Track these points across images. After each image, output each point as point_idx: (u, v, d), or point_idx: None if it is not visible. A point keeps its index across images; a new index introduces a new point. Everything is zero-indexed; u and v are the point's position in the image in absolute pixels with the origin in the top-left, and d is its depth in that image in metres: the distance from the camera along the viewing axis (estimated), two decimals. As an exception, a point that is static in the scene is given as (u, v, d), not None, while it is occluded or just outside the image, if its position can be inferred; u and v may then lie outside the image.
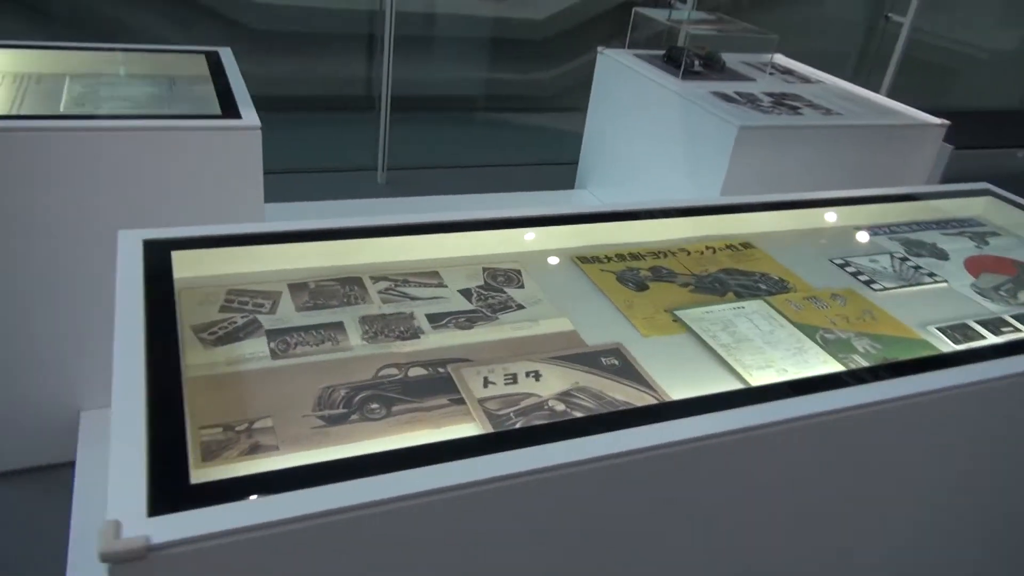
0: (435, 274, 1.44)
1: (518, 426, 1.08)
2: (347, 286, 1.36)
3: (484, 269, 1.48)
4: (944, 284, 1.67)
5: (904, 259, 1.74)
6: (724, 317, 1.42)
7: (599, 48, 3.45)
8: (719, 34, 3.37)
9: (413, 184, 3.84)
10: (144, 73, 2.19)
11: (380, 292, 1.36)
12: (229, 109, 1.86)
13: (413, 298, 1.36)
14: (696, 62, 3.23)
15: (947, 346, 1.43)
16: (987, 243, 1.90)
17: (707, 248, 1.68)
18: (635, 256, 1.60)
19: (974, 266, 1.77)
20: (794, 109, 2.96)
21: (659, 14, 3.43)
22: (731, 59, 3.55)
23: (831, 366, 1.32)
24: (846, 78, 3.50)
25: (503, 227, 1.57)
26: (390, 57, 3.57)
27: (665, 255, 1.63)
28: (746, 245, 1.71)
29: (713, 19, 3.61)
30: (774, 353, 1.33)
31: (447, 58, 4.43)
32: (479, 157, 4.20)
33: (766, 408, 1.10)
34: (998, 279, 1.72)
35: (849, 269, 1.67)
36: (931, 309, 1.56)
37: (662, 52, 3.38)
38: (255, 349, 1.17)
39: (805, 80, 3.42)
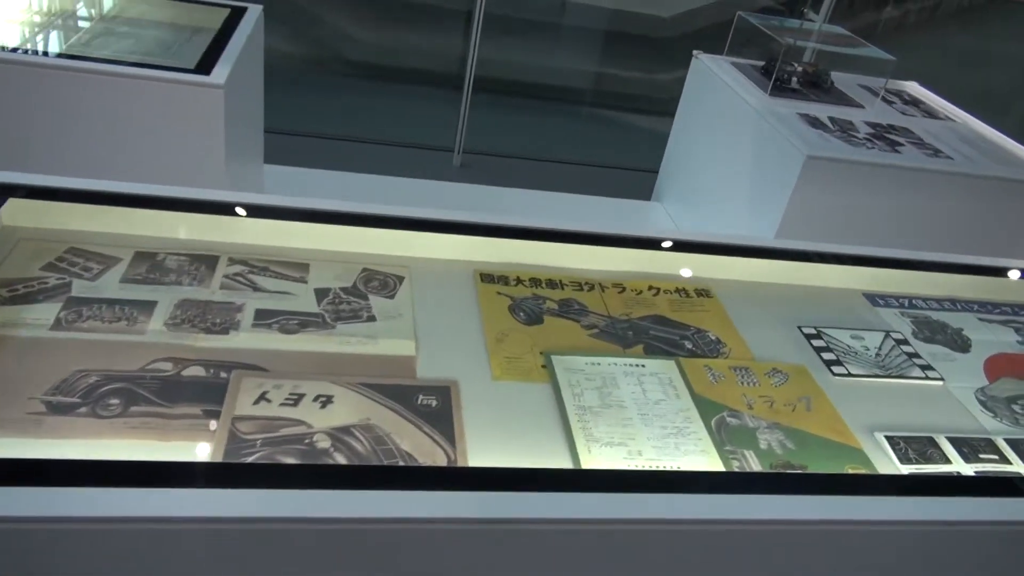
0: (305, 267, 1.30)
1: (252, 458, 0.93)
2: (196, 264, 1.25)
3: (364, 270, 1.32)
4: (938, 383, 1.32)
5: (901, 342, 1.41)
6: (608, 373, 1.19)
7: (695, 52, 3.15)
8: (820, 47, 2.97)
9: (486, 171, 3.71)
10: (169, 21, 2.19)
11: (226, 277, 1.24)
12: (206, 66, 1.80)
13: (257, 289, 1.23)
14: (794, 78, 2.87)
15: (888, 464, 1.12)
16: (1037, 340, 1.51)
17: (650, 288, 1.43)
18: (553, 284, 1.39)
19: (997, 367, 1.40)
20: (894, 145, 2.55)
21: (765, 20, 3.07)
22: (847, 80, 3.13)
23: (703, 460, 1.06)
24: (1012, 123, 3.00)
25: (421, 228, 1.41)
26: (477, 37, 3.45)
27: (592, 288, 1.40)
28: (702, 292, 1.45)
29: (832, 34, 3.20)
30: (642, 430, 1.09)
31: (559, 46, 4.25)
32: (569, 152, 3.99)
33: (512, 499, 0.88)
34: (1020, 389, 1.35)
35: (817, 342, 1.36)
36: (897, 412, 1.24)
37: (762, 63, 3.03)
38: (41, 315, 1.09)
39: (930, 115, 2.96)
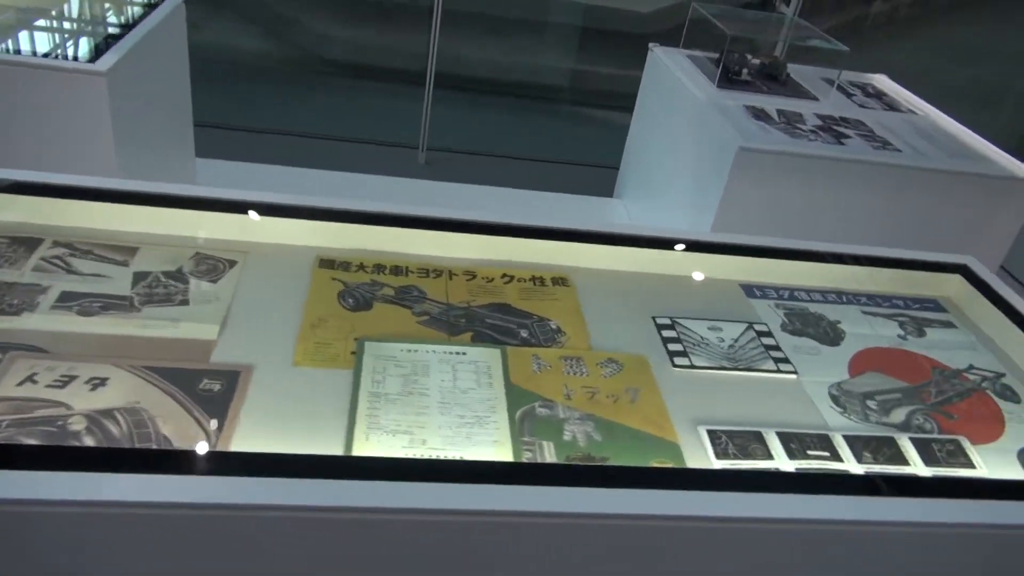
0: (133, 251, 1.27)
1: (-7, 438, 0.90)
2: (15, 247, 1.23)
3: (196, 254, 1.29)
4: (791, 377, 1.25)
5: (764, 334, 1.34)
6: (422, 361, 1.14)
7: (651, 45, 3.09)
8: (767, 38, 2.88)
9: (451, 168, 3.68)
10: (91, 15, 2.19)
11: (43, 259, 1.21)
12: (99, 54, 1.79)
13: (71, 271, 1.20)
14: (744, 70, 2.79)
15: (702, 459, 1.06)
16: (923, 335, 1.42)
17: (504, 276, 1.38)
18: (398, 270, 1.34)
19: (865, 361, 1.32)
20: (840, 137, 2.46)
21: (717, 11, 2.99)
22: (809, 73, 3.04)
23: (491, 451, 1.01)
24: (1003, 117, 2.89)
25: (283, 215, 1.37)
26: (436, 32, 3.41)
27: (440, 275, 1.35)
28: (559, 281, 1.39)
29: (789, 24, 3.11)
30: (436, 418, 1.04)
31: (537, 44, 4.20)
32: (539, 150, 3.94)
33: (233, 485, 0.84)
34: (883, 385, 1.27)
35: (668, 333, 1.30)
36: (734, 406, 1.17)
37: (716, 55, 2.95)
38: None
39: (891, 108, 2.86)
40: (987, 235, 2.46)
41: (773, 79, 2.89)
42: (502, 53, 4.12)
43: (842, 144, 2.42)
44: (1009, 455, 1.16)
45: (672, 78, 2.82)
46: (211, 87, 3.80)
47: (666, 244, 1.50)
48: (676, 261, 1.49)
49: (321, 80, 3.96)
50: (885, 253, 1.57)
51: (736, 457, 1.06)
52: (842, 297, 1.49)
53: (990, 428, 1.21)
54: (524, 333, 1.24)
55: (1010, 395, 1.29)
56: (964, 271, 1.53)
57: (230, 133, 3.60)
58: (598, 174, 3.71)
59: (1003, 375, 1.34)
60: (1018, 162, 2.48)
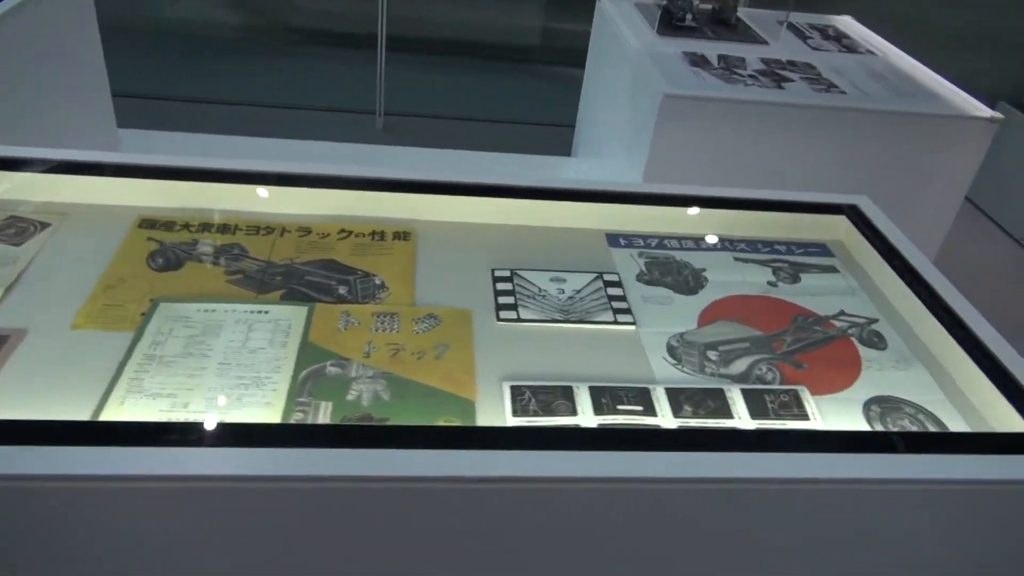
0: (-58, 216, 1.23)
1: None
2: None
3: (10, 217, 1.24)
4: (629, 328, 1.16)
5: (612, 284, 1.25)
6: (217, 321, 1.08)
7: (598, -6, 2.96)
8: None
9: (409, 133, 3.59)
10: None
11: None
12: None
13: None
14: (689, 15, 2.65)
15: (498, 416, 0.98)
16: (797, 280, 1.32)
17: (341, 231, 1.31)
18: (226, 228, 1.28)
19: (718, 310, 1.23)
20: (781, 81, 2.32)
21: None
22: (765, 16, 2.89)
23: (259, 412, 0.94)
24: (991, 63, 2.72)
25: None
26: (384, -7, 3.32)
27: (271, 232, 1.28)
28: (400, 235, 1.31)
29: None
30: (210, 380, 0.98)
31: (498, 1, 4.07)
32: (498, 110, 3.83)
33: None
34: (732, 334, 1.18)
35: (502, 285, 1.22)
36: (553, 361, 1.09)
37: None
38: None
39: (849, 50, 2.70)
40: (943, 176, 2.31)
41: (723, 24, 2.75)
42: (463, 11, 4.01)
43: (781, 88, 2.28)
44: (854, 405, 1.06)
45: (614, 28, 2.70)
46: (157, 59, 3.77)
47: (533, 194, 1.41)
48: (539, 211, 1.40)
49: (279, 48, 3.89)
50: (773, 196, 1.46)
51: (535, 414, 0.99)
52: (718, 244, 1.39)
53: (842, 377, 1.11)
54: (342, 290, 1.17)
55: (876, 342, 1.19)
56: (853, 212, 1.42)
57: (183, 105, 3.56)
58: (560, 133, 3.60)
59: (875, 321, 1.24)
60: (975, 101, 2.33)
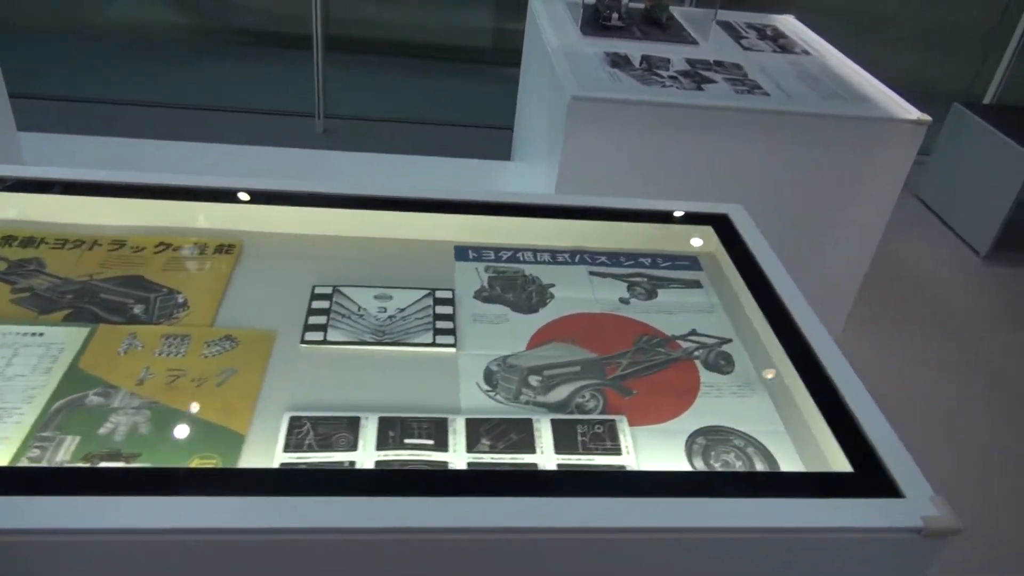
0: None
1: None
2: None
3: None
4: (449, 350, 1.07)
5: (443, 302, 1.15)
6: (-20, 344, 0.98)
7: (529, -7, 2.87)
8: None
9: (350, 136, 3.50)
10: None
11: None
12: None
13: None
14: (615, 14, 2.56)
15: (266, 453, 0.89)
16: (653, 296, 1.23)
17: (159, 244, 1.21)
18: (31, 242, 1.18)
19: (554, 330, 1.13)
20: (702, 82, 2.23)
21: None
22: (701, 17, 2.79)
23: (-10, 449, 0.85)
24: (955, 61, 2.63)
25: None
26: (318, -8, 3.23)
27: (80, 245, 1.19)
28: (224, 248, 1.22)
29: None
30: (-51, 411, 0.89)
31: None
32: (443, 113, 3.74)
33: None
34: (562, 357, 1.08)
35: (319, 304, 1.12)
36: (352, 388, 0.99)
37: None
38: None
39: (783, 50, 2.60)
40: (870, 180, 2.22)
41: (655, 23, 2.66)
42: (408, 12, 3.91)
43: (701, 90, 2.19)
44: (677, 438, 0.97)
45: (541, 27, 2.61)
46: (84, 60, 3.67)
47: (382, 204, 1.32)
48: (386, 222, 1.30)
49: (214, 48, 3.79)
50: (643, 206, 1.36)
51: (309, 449, 0.89)
52: (576, 257, 1.30)
53: (673, 404, 1.02)
54: (138, 309, 1.08)
55: (722, 365, 1.10)
56: (723, 223, 1.32)
57: (121, 108, 3.46)
58: (504, 136, 3.51)
59: (727, 341, 1.14)
60: (904, 103, 2.23)
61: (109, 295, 1.10)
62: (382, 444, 0.91)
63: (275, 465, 0.87)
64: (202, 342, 1.03)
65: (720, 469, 0.93)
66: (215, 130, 3.33)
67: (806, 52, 2.61)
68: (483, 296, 1.18)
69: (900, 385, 2.45)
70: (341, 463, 0.88)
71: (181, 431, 0.90)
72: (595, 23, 2.57)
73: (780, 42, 2.68)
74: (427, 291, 1.17)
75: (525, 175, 2.87)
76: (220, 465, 0.86)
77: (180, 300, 1.10)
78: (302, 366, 1.02)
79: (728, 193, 2.21)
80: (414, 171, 3.19)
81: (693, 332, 1.16)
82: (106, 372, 0.97)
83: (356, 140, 3.48)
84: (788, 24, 2.88)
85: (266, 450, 0.89)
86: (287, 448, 0.89)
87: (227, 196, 1.28)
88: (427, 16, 3.82)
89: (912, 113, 2.17)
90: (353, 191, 1.32)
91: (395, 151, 3.36)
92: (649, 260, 1.31)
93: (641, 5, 2.73)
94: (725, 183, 2.19)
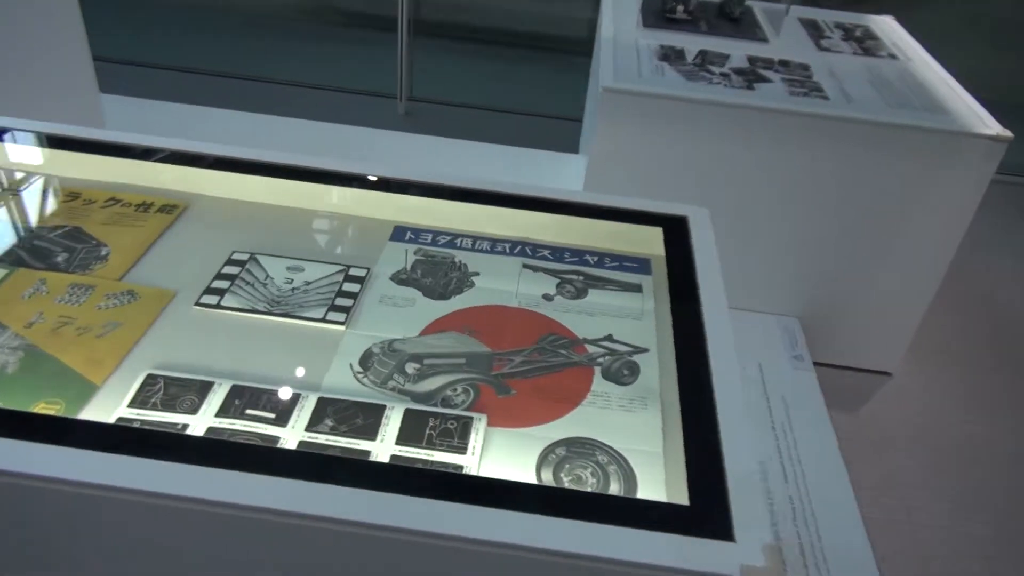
0: None
1: None
2: None
3: None
4: (338, 327, 1.04)
5: (354, 279, 1.13)
6: (-94, 276, 1.05)
7: (605, -19, 2.77)
8: None
9: (430, 119, 3.54)
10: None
11: None
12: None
13: None
14: (680, 7, 2.43)
15: (112, 406, 0.90)
16: (581, 296, 1.15)
17: (109, 199, 1.25)
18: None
19: (454, 320, 1.08)
20: (756, 80, 2.08)
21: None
22: (778, 12, 2.61)
23: None
24: None
25: None
26: (405, -25, 3.27)
27: (40, 193, 1.25)
28: (168, 207, 1.25)
29: None
30: None
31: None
32: (524, 103, 3.69)
33: None
34: (450, 347, 1.03)
35: (229, 269, 1.12)
36: (225, 353, 0.99)
37: (668, -9, 2.60)
38: None
39: (867, 52, 2.39)
40: (939, 197, 2.00)
41: (727, 18, 2.51)
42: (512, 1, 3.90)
43: (751, 89, 2.05)
44: (535, 444, 0.90)
45: (609, 19, 2.52)
46: (206, 35, 3.89)
47: (337, 180, 1.31)
48: (337, 198, 1.30)
49: (315, 29, 3.93)
50: (603, 202, 1.28)
51: (153, 407, 0.90)
52: (516, 248, 1.24)
53: (549, 409, 0.95)
54: (61, 258, 1.12)
55: (624, 375, 1.01)
56: (676, 226, 1.22)
57: (215, 79, 3.65)
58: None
59: (643, 351, 1.06)
60: (987, 116, 1.99)
61: (42, 242, 1.15)
62: (223, 412, 0.90)
63: (111, 420, 0.88)
64: (103, 294, 1.06)
65: (568, 484, 0.86)
66: (295, 105, 3.46)
67: (892, 56, 2.38)
68: (400, 278, 1.15)
69: (960, 426, 2.21)
70: (175, 424, 0.88)
71: (40, 375, 0.93)
72: (659, 15, 2.45)
73: (866, 44, 2.47)
74: (342, 267, 1.15)
75: (583, 169, 2.80)
76: (62, 412, 0.88)
77: (103, 253, 1.14)
78: (187, 328, 1.03)
79: (765, 200, 2.06)
80: (477, 158, 3.18)
81: (608, 337, 1.08)
82: (3, 312, 1.01)
83: (435, 124, 3.51)
84: (883, 25, 2.64)
85: (113, 403, 0.90)
86: (132, 404, 0.90)
87: (190, 159, 1.31)
88: (520, 4, 3.79)
89: (991, 128, 1.93)
90: (311, 164, 1.32)
91: (470, 137, 3.36)
92: (596, 258, 1.23)
93: (717, -1, 2.58)
94: (764, 189, 2.04)
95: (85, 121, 2.52)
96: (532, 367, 1.01)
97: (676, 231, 1.20)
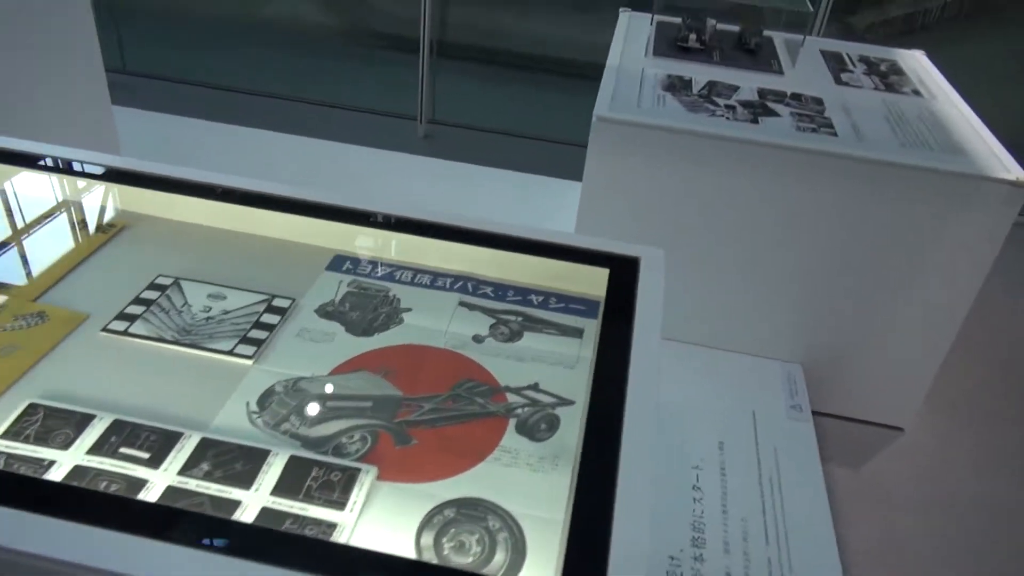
0: None
1: None
2: None
3: None
4: (245, 362, 0.99)
5: (276, 310, 1.07)
6: None
7: (622, 9, 2.71)
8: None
9: (449, 143, 3.51)
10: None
11: None
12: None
13: None
14: (692, 35, 2.35)
15: (-13, 434, 0.86)
16: (515, 338, 1.08)
17: (49, 216, 1.23)
18: (-60, 199, 1.25)
19: (370, 359, 1.01)
20: (761, 114, 1.99)
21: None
22: (806, 44, 2.50)
23: None
24: None
25: None
26: (427, -3, 3.25)
27: (-20, 208, 1.23)
28: (106, 227, 1.22)
29: None
30: None
31: (570, 9, 3.89)
32: (546, 129, 3.64)
33: None
34: (358, 389, 0.96)
35: (148, 294, 1.08)
36: (123, 382, 0.94)
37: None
38: None
39: (889, 88, 2.27)
40: (954, 243, 1.87)
41: (744, 49, 2.42)
42: (529, 24, 3.86)
43: (755, 123, 1.95)
44: (424, 502, 0.82)
45: (618, 45, 2.45)
46: (231, 50, 3.93)
47: (281, 204, 1.26)
48: (281, 224, 1.25)
49: (341, 48, 3.94)
50: (554, 238, 1.21)
51: (26, 440, 0.85)
52: (457, 284, 1.17)
53: (449, 464, 0.88)
54: (-19, 274, 1.10)
55: (542, 429, 0.93)
56: (621, 268, 1.13)
57: (235, 96, 3.69)
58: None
59: (568, 403, 0.97)
60: (1009, 160, 1.86)
61: (-31, 258, 1.13)
62: (96, 449, 0.85)
63: (-22, 450, 0.84)
64: (12, 315, 1.03)
65: (448, 551, 0.78)
66: (311, 123, 3.46)
67: (916, 93, 2.26)
68: (326, 311, 1.10)
69: (976, 488, 2.06)
70: (41, 461, 0.83)
71: (-81, 398, 0.89)
72: (672, 44, 2.38)
73: (890, 79, 2.35)
74: (266, 297, 1.10)
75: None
76: (-69, 439, 0.85)
77: (26, 272, 1.11)
78: (88, 355, 0.98)
79: (767, 238, 1.96)
80: (483, 183, 3.13)
81: (534, 387, 1.00)
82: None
83: (453, 146, 3.48)
84: (912, 61, 2.52)
85: (-21, 434, 0.86)
86: (5, 435, 0.86)
87: (136, 179, 1.28)
88: (547, 28, 3.75)
89: (1011, 172, 1.80)
90: (259, 188, 1.27)
91: (487, 161, 3.32)
92: (541, 298, 1.16)
93: (736, 28, 2.49)
94: (765, 226, 1.93)
95: (99, 134, 2.55)
96: (441, 416, 0.94)
97: (624, 273, 1.12)
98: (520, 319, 1.12)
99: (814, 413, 2.18)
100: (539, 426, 0.94)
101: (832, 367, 2.12)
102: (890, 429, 2.19)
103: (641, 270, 1.13)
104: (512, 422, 0.94)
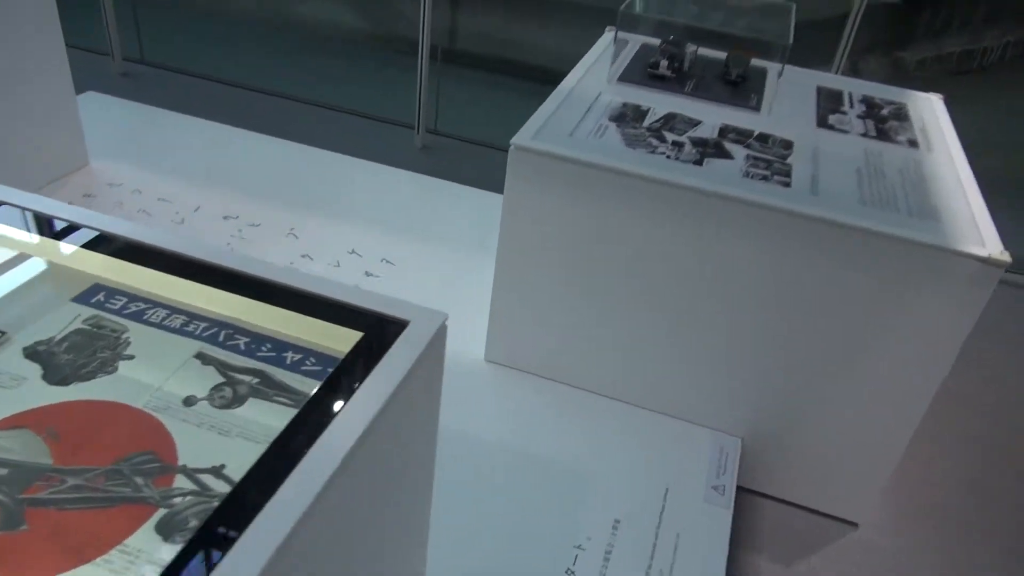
0: None
1: None
2: None
3: None
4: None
5: (41, 350, 0.94)
6: None
7: (608, 28, 2.51)
8: (675, 22, 2.14)
9: (444, 155, 3.37)
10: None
11: None
12: None
13: None
14: (663, 62, 2.12)
15: None
16: (239, 404, 0.91)
17: None
18: None
19: (40, 416, 0.87)
20: (711, 155, 1.77)
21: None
22: (801, 78, 2.25)
23: None
24: None
25: None
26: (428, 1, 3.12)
27: None
28: None
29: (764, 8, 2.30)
30: None
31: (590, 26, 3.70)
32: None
33: None
34: (7, 452, 0.82)
35: None
36: None
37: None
38: None
39: (882, 136, 2.00)
40: (914, 322, 1.61)
41: (727, 80, 2.18)
42: (542, 35, 3.69)
43: (698, 164, 1.73)
44: (-25, 613, 0.67)
45: (584, 68, 2.26)
46: (232, 46, 3.90)
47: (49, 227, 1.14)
48: (48, 249, 1.13)
49: (352, 51, 3.86)
50: (333, 293, 1.04)
51: None
52: (209, 331, 1.02)
53: (43, 561, 0.72)
54: None
55: (184, 528, 0.77)
56: (378, 332, 0.95)
57: (231, 90, 3.65)
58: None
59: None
60: (991, 233, 1.59)
61: None
62: None
63: None
64: None
65: None
66: (315, 125, 3.39)
67: (911, 143, 1.98)
68: (35, 350, 0.96)
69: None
70: None
71: None
72: (642, 70, 2.17)
73: (887, 125, 2.07)
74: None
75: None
76: None
77: None
78: None
79: (702, 294, 1.74)
80: (453, 199, 2.97)
81: (217, 469, 0.84)
82: None
83: (448, 159, 3.34)
84: (923, 105, 2.23)
85: None
86: None
87: None
88: (557, 41, 3.57)
89: (987, 247, 1.53)
90: (42, 208, 1.16)
91: (482, 175, 3.16)
92: (298, 356, 0.99)
93: (723, 55, 2.26)
94: (698, 280, 1.71)
95: (63, 119, 2.52)
96: (80, 495, 0.79)
97: (376, 338, 0.94)
98: (256, 381, 0.95)
99: (754, 494, 1.94)
100: (186, 521, 0.78)
101: (779, 445, 1.88)
102: (842, 523, 1.92)
103: (403, 336, 0.95)
104: (158, 515, 0.78)
